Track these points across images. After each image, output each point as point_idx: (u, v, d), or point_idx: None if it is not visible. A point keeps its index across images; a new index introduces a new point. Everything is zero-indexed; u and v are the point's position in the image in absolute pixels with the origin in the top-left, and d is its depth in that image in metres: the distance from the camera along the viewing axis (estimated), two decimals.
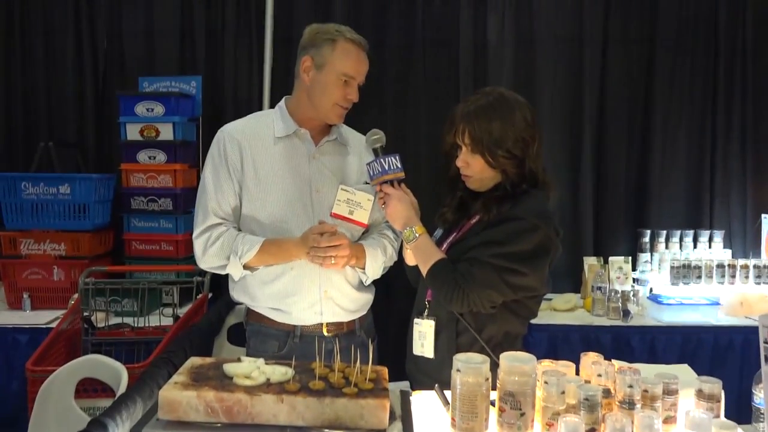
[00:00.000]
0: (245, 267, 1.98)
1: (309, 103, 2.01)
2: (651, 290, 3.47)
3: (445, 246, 1.90)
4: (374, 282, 2.17)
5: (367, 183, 2.04)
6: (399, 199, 1.89)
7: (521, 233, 1.73)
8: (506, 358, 1.32)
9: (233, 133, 2.04)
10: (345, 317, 2.08)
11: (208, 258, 2.00)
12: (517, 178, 1.83)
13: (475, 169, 1.85)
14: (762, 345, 1.35)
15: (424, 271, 1.84)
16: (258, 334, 2.08)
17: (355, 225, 2.05)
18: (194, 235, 2.03)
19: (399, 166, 1.91)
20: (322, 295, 2.02)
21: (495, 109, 1.80)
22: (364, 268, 2.06)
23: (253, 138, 2.03)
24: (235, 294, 2.12)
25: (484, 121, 1.79)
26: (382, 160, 1.90)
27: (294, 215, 2.00)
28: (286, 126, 2.04)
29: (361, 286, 2.11)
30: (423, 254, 1.85)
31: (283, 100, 2.12)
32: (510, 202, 1.80)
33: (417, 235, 1.85)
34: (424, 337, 1.88)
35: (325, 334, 2.04)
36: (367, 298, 2.15)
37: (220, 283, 2.13)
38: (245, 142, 2.02)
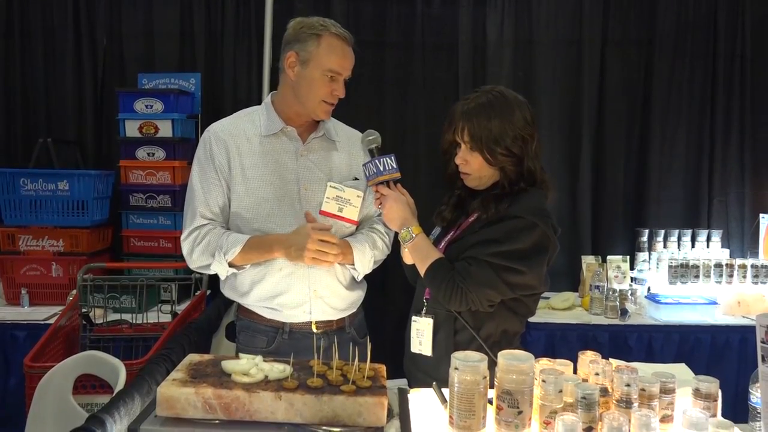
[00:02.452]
0: (231, 265, 1.97)
1: (295, 99, 1.99)
2: (649, 289, 3.48)
3: (443, 244, 1.91)
4: (372, 280, 2.17)
5: (356, 179, 2.04)
6: (395, 199, 1.89)
7: (519, 232, 1.74)
8: (504, 356, 1.32)
9: (219, 132, 2.02)
10: (334, 315, 2.07)
11: (195, 258, 1.99)
12: (515, 176, 1.83)
13: (473, 166, 1.85)
14: (759, 344, 1.36)
15: (422, 270, 1.85)
16: (247, 329, 2.08)
17: (345, 222, 2.04)
18: (182, 237, 2.01)
19: (395, 166, 1.91)
20: (312, 295, 2.01)
21: (494, 107, 1.81)
22: (353, 265, 2.04)
23: (240, 137, 2.01)
24: (226, 292, 2.11)
25: (483, 118, 1.80)
26: (377, 161, 1.90)
27: (281, 214, 1.98)
28: (273, 124, 2.02)
29: (351, 285, 2.10)
30: (420, 254, 1.85)
31: (270, 96, 2.09)
32: (508, 201, 1.81)
33: (413, 235, 1.86)
34: (422, 335, 1.88)
35: (315, 330, 2.04)
36: (357, 295, 2.14)
37: (219, 280, 2.13)
38: (231, 141, 2.00)
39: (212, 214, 2.00)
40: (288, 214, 1.99)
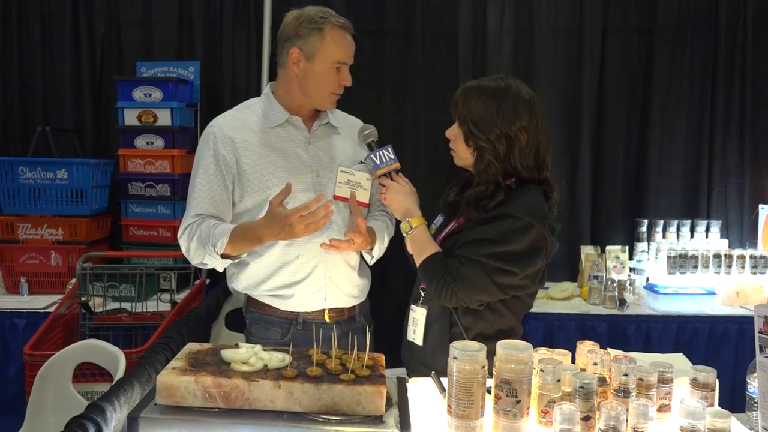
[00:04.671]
0: (225, 256, 1.93)
1: (302, 93, 1.98)
2: (647, 279, 3.48)
3: (444, 234, 1.90)
4: (372, 268, 2.18)
5: (362, 162, 2.04)
6: (396, 191, 1.89)
7: (514, 233, 1.71)
8: (503, 346, 1.33)
9: (224, 128, 1.99)
10: (347, 303, 2.08)
11: (192, 255, 1.97)
12: (501, 172, 1.78)
13: (458, 145, 1.85)
14: (757, 335, 1.36)
15: (417, 263, 1.85)
16: (260, 321, 2.07)
17: (358, 206, 2.03)
18: (178, 235, 1.99)
19: (392, 157, 1.92)
20: (327, 281, 2.02)
21: (491, 93, 1.78)
22: (371, 249, 2.06)
23: (246, 131, 1.99)
24: (237, 285, 2.08)
25: (474, 99, 1.79)
26: (373, 155, 1.91)
27: (299, 203, 1.95)
28: (277, 114, 2.01)
29: (360, 271, 2.11)
30: (417, 247, 1.85)
31: (269, 87, 2.08)
32: (503, 195, 1.78)
33: (412, 227, 1.86)
34: (416, 324, 1.89)
35: (327, 320, 2.04)
36: (365, 283, 2.15)
37: (219, 270, 2.11)
38: (238, 137, 1.98)
39: (208, 211, 1.97)
40: (305, 203, 1.97)
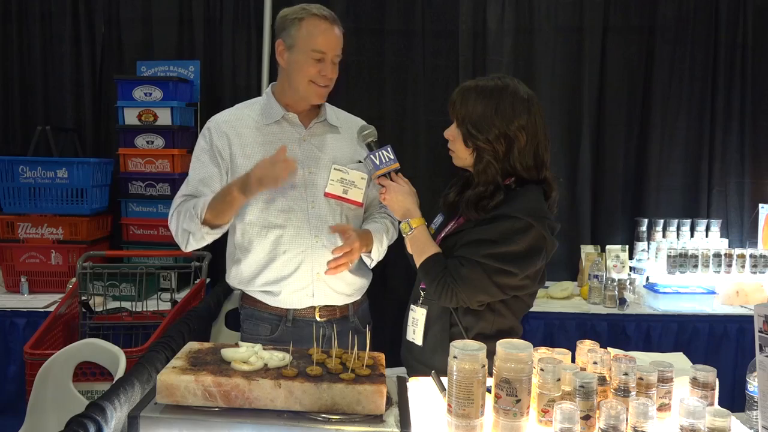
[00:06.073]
0: (206, 223, 1.92)
1: (289, 86, 2.02)
2: (647, 279, 3.49)
3: (443, 234, 1.90)
4: (373, 268, 2.18)
5: (360, 162, 2.05)
6: (396, 191, 1.89)
7: (514, 233, 1.71)
8: (503, 345, 1.33)
9: (221, 124, 2.04)
10: (338, 301, 2.08)
11: (180, 233, 1.99)
12: (500, 171, 1.78)
13: (456, 145, 1.85)
14: (757, 334, 1.36)
15: (417, 263, 1.85)
16: (251, 317, 2.10)
17: (350, 204, 2.05)
18: (168, 217, 2.04)
19: (392, 157, 1.91)
20: (315, 278, 2.02)
21: (489, 93, 1.78)
22: (369, 252, 2.06)
23: (242, 127, 2.03)
24: (231, 281, 2.12)
25: (473, 99, 1.78)
26: (373, 156, 1.91)
27: (287, 200, 1.99)
28: (274, 111, 2.04)
29: (356, 270, 2.10)
30: (417, 247, 1.85)
31: (270, 86, 2.12)
32: (503, 195, 1.78)
33: (412, 228, 1.86)
34: (416, 324, 1.89)
35: (318, 318, 2.05)
36: (362, 282, 2.14)
37: (218, 268, 2.13)
38: (233, 133, 2.02)
39: (198, 192, 2.01)
40: (297, 199, 1.99)
